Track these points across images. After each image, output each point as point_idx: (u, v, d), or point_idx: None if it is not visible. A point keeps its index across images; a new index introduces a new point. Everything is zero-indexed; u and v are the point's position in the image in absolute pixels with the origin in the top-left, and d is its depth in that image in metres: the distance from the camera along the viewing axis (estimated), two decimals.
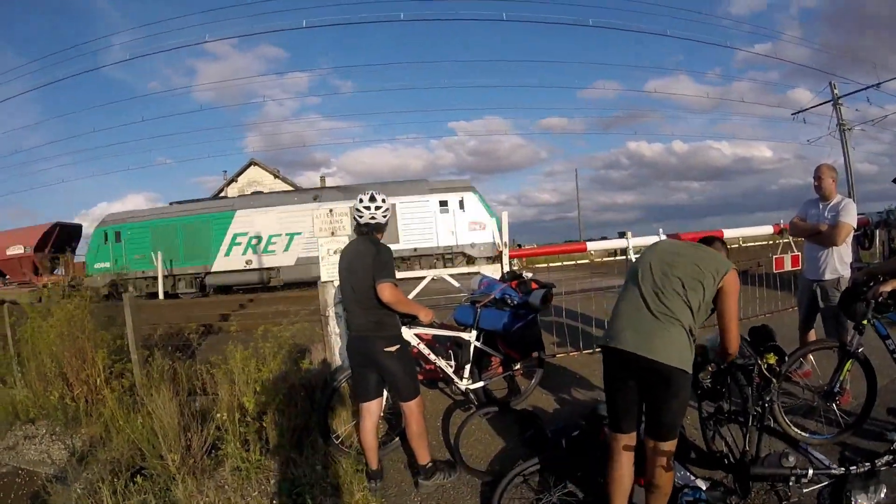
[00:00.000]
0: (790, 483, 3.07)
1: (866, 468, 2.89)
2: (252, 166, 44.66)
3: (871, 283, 4.63)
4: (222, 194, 42.61)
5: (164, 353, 6.33)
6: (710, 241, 3.78)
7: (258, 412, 5.07)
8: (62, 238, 32.38)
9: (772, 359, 3.93)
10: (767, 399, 3.78)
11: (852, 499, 2.75)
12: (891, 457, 3.02)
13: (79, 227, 35.89)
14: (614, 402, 3.43)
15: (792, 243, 7.79)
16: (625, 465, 3.37)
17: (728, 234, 10.95)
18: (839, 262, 5.56)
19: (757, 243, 13.09)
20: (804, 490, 3.13)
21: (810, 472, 2.99)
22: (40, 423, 6.74)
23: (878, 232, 11.61)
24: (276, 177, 44.58)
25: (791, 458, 3.09)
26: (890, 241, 11.90)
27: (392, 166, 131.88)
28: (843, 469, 2.94)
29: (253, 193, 37.80)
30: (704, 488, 3.59)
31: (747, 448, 3.53)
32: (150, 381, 5.70)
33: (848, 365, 4.82)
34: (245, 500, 4.33)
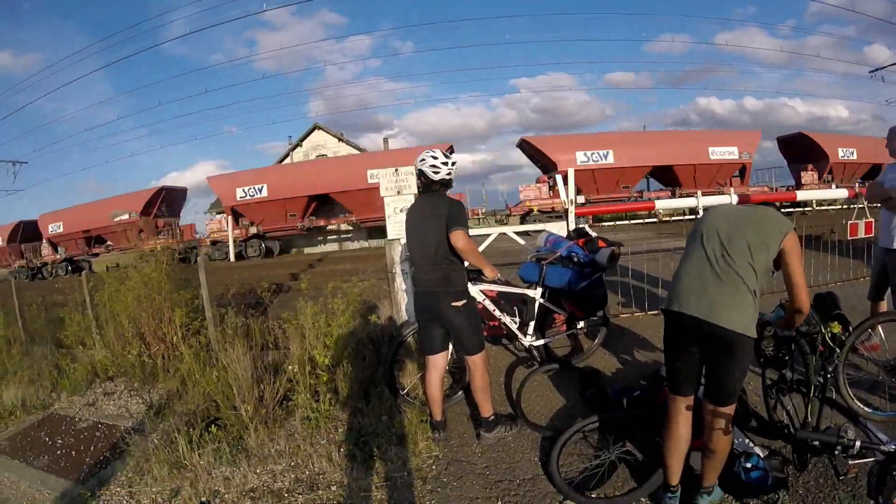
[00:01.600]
0: (836, 453, 3.02)
1: None
2: (316, 130, 44.82)
3: None
4: (287, 159, 43.43)
5: (237, 311, 6.48)
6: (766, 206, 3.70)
7: (327, 365, 5.19)
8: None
9: (836, 328, 3.81)
10: (831, 369, 3.73)
11: None
12: None
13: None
14: (675, 365, 3.43)
15: (866, 209, 7.52)
16: (682, 427, 3.39)
17: (801, 195, 10.68)
18: (886, 228, 5.28)
19: (832, 207, 12.76)
20: (860, 465, 3.06)
21: (858, 444, 2.92)
22: (119, 380, 7.05)
23: None
24: (339, 140, 44.77)
25: (850, 432, 3.01)
26: None
27: (454, 126, 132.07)
28: (893, 447, 2.83)
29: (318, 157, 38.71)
30: (763, 456, 3.60)
31: (808, 419, 3.53)
32: (224, 337, 5.85)
33: None
34: (314, 447, 4.44)
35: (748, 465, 3.44)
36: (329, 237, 33.25)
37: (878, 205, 5.60)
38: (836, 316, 3.84)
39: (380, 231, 29.73)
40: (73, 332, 7.99)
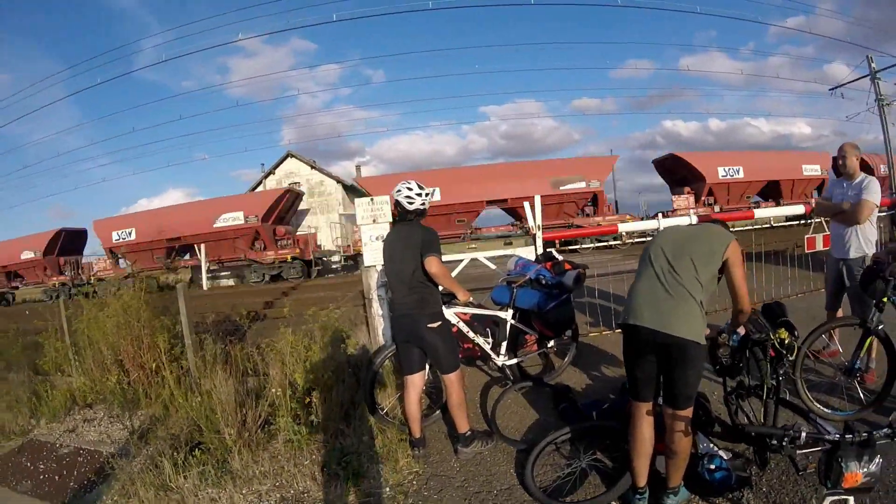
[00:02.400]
0: (783, 444, 3.15)
1: (863, 438, 2.94)
2: (289, 158, 45.38)
3: (892, 262, 4.80)
4: (260, 187, 43.89)
5: (215, 338, 6.59)
6: (711, 222, 4.06)
7: (307, 388, 5.33)
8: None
9: (783, 334, 4.02)
10: (781, 372, 3.97)
11: (843, 464, 2.84)
12: (890, 430, 3.02)
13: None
14: (634, 373, 3.67)
15: (824, 223, 7.87)
16: (646, 431, 3.62)
17: (759, 213, 11.08)
18: (864, 241, 5.60)
19: (792, 224, 13.10)
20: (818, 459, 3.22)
21: (803, 435, 3.09)
22: (98, 406, 7.07)
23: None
24: (312, 167, 45.35)
25: (797, 427, 3.16)
26: None
27: (426, 153, 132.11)
28: (837, 436, 3.01)
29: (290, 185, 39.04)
30: (726, 458, 3.82)
31: (765, 420, 3.77)
32: (204, 363, 5.99)
33: (868, 342, 4.97)
34: (297, 467, 4.60)
35: (712, 467, 3.67)
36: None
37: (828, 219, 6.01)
38: (783, 323, 4.09)
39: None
40: (51, 359, 8.00)
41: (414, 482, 4.34)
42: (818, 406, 4.93)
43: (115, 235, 32.96)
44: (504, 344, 5.82)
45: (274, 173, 45.11)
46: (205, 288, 27.89)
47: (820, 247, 7.75)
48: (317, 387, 5.41)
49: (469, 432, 4.74)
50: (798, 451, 3.27)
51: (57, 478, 5.38)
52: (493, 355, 5.82)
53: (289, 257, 29.76)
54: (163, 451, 4.77)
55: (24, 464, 5.83)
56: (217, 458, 4.77)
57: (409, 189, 4.76)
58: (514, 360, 5.92)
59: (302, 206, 39.57)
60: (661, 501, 3.63)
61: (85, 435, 6.40)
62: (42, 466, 5.69)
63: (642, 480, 3.66)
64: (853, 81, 26.24)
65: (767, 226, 25.75)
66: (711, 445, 3.95)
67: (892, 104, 24.17)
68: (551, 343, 6.22)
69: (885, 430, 2.95)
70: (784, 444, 3.14)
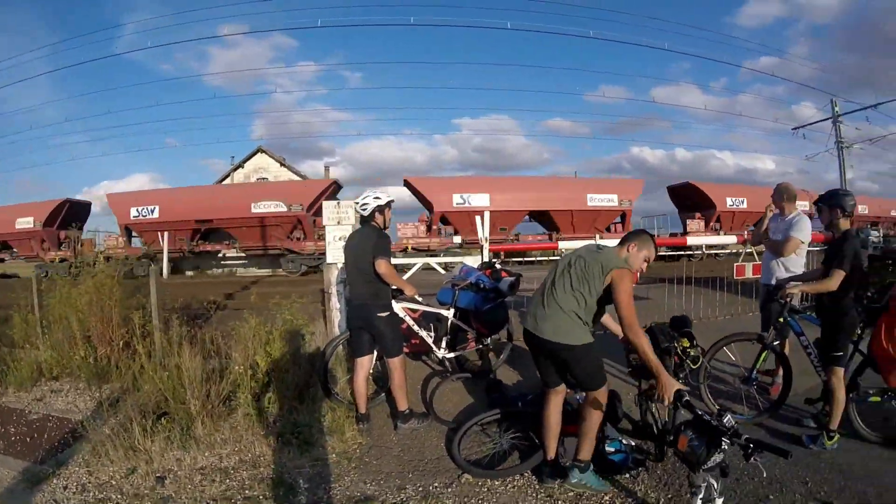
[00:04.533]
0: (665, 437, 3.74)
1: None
2: (259, 153, 44.99)
3: (783, 287, 5.43)
4: (228, 179, 43.34)
5: (181, 321, 6.95)
6: (631, 236, 4.32)
7: (267, 370, 5.90)
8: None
9: (685, 342, 4.58)
10: (682, 377, 4.45)
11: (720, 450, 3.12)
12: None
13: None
14: (538, 365, 4.30)
15: (755, 253, 8.48)
16: (553, 413, 4.26)
17: (691, 241, 11.91)
18: (784, 271, 6.24)
19: (722, 252, 13.88)
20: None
21: (659, 425, 3.71)
22: (64, 379, 7.35)
23: None
24: (282, 164, 45.02)
25: (671, 420, 3.75)
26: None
27: (396, 159, 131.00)
28: (718, 423, 3.21)
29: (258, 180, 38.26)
30: (625, 442, 4.40)
31: (667, 419, 4.19)
32: (170, 343, 6.37)
33: (764, 355, 5.63)
34: (255, 436, 5.15)
35: (611, 449, 4.27)
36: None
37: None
38: (685, 333, 4.65)
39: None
40: (20, 331, 8.09)
41: (357, 451, 4.98)
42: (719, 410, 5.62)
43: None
44: (445, 339, 6.48)
45: (243, 167, 44.69)
46: (164, 276, 26.82)
47: (749, 274, 8.46)
48: (276, 368, 5.99)
49: (407, 411, 5.44)
50: (669, 439, 3.78)
51: (28, 439, 5.62)
52: (434, 348, 6.47)
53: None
54: (132, 418, 5.18)
55: None
56: (182, 426, 5.23)
57: (365, 198, 5.54)
58: (454, 354, 6.58)
59: None
60: (568, 471, 4.13)
61: (53, 404, 6.64)
62: (13, 429, 5.88)
63: (551, 454, 4.29)
64: (816, 123, 27.14)
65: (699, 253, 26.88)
66: (618, 434, 4.50)
67: (850, 147, 25.11)
68: (488, 340, 6.85)
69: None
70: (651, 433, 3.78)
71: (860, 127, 33.75)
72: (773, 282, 6.17)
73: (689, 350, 4.55)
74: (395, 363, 5.44)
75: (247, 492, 4.29)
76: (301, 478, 4.48)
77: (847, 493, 4.12)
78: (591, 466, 4.16)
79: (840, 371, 4.94)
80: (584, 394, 4.17)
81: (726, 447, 3.09)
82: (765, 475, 3.48)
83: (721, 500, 3.28)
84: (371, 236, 5.42)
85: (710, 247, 25.97)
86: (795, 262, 6.34)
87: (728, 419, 3.19)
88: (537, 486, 4.30)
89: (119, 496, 4.30)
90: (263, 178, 42.18)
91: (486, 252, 8.45)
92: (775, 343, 5.63)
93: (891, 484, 4.25)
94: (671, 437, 3.65)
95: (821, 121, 26.24)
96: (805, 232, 6.25)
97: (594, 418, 4.06)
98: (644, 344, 3.70)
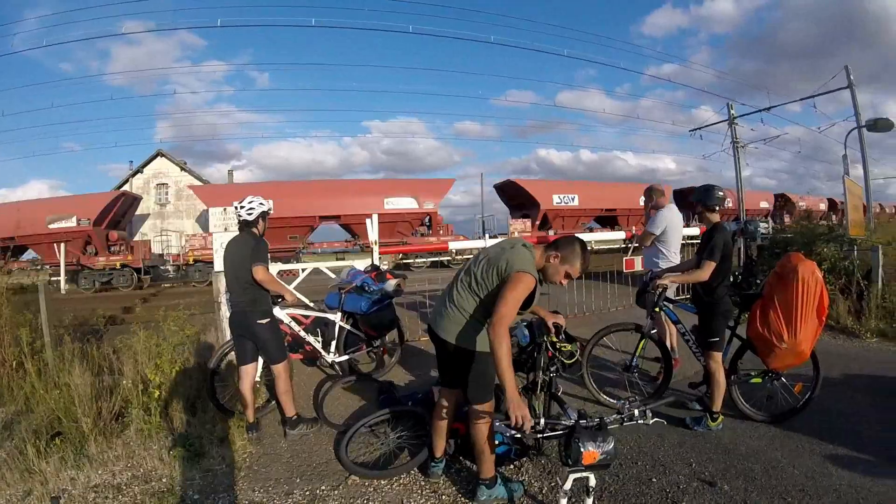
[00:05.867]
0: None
1: (595, 422, 3.33)
2: (159, 157, 43.81)
3: (654, 279, 5.75)
4: (127, 185, 41.97)
5: (73, 337, 6.96)
6: (561, 244, 3.97)
7: (158, 383, 5.86)
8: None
9: (553, 337, 4.64)
10: (553, 370, 4.65)
11: (581, 445, 3.16)
12: (619, 415, 3.52)
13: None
14: (439, 363, 4.24)
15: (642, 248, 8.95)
16: (441, 410, 4.35)
17: (584, 237, 12.40)
18: (647, 261, 6.87)
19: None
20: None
21: (542, 421, 3.53)
22: None
23: (737, 239, 12.80)
24: (182, 169, 44.06)
25: (563, 418, 3.66)
26: (747, 249, 13.32)
27: (305, 161, 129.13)
28: (573, 421, 3.39)
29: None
30: (507, 435, 4.57)
31: (541, 410, 4.32)
32: (62, 359, 6.35)
33: (643, 343, 5.95)
34: (147, 451, 5.17)
35: (496, 442, 4.33)
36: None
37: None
38: (556, 328, 4.66)
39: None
40: None
41: (247, 459, 5.10)
42: (605, 397, 6.00)
43: None
44: (333, 343, 6.65)
45: (142, 172, 43.50)
46: (62, 291, 26.33)
47: (638, 267, 8.88)
48: (166, 382, 6.00)
49: (295, 416, 5.56)
50: (542, 437, 3.75)
51: None
52: (323, 353, 6.64)
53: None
54: (26, 440, 5.16)
55: None
56: (76, 446, 5.25)
57: (240, 203, 5.56)
58: (344, 358, 6.75)
59: (170, 208, 38.53)
60: (476, 490, 4.13)
61: None
62: None
63: (439, 452, 4.46)
64: (713, 125, 27.94)
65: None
66: (503, 426, 4.70)
67: (745, 146, 25.96)
68: (378, 343, 7.07)
69: (614, 416, 3.51)
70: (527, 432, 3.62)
71: (755, 128, 35.56)
72: (639, 271, 6.49)
73: (560, 346, 4.64)
74: (279, 369, 5.53)
75: None
76: (192, 489, 4.55)
77: (732, 472, 4.42)
78: (498, 479, 4.17)
79: (718, 356, 5.28)
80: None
81: (581, 443, 3.19)
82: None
83: (591, 499, 3.44)
84: (248, 242, 5.43)
85: (598, 242, 26.65)
86: (669, 253, 6.79)
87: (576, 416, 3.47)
88: (423, 483, 4.49)
89: None
90: (163, 184, 41.54)
91: (376, 255, 8.66)
92: (653, 332, 5.98)
93: (775, 460, 4.59)
94: (547, 431, 3.65)
95: (718, 123, 27.08)
96: (654, 225, 6.79)
97: (483, 434, 4.01)
98: (502, 351, 3.46)
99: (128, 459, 5.13)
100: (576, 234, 4.49)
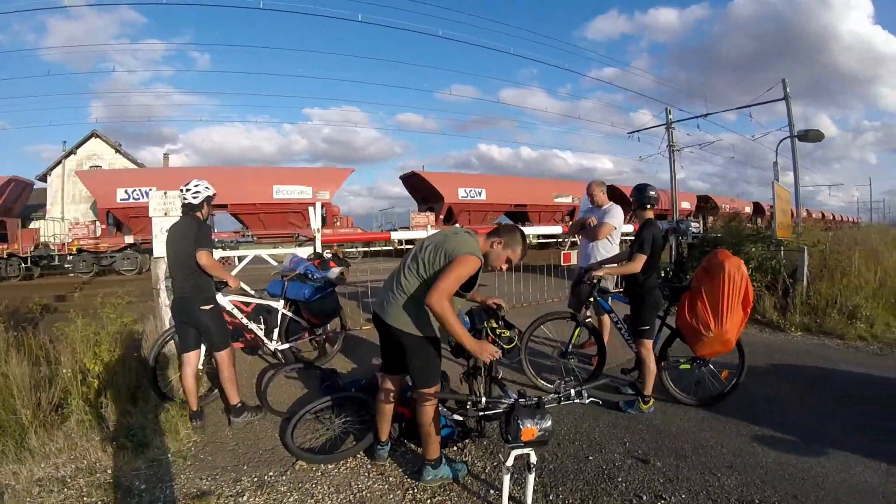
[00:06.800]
0: (467, 406, 3.88)
1: (534, 401, 3.46)
2: (93, 138, 42.15)
3: (590, 271, 5.97)
4: (59, 167, 40.48)
5: (7, 326, 6.77)
6: (503, 231, 4.23)
7: (98, 373, 5.84)
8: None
9: (493, 323, 4.79)
10: None
11: (520, 422, 3.31)
12: (555, 395, 3.71)
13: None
14: (383, 350, 4.35)
15: (579, 241, 9.20)
16: (388, 398, 4.44)
17: (525, 230, 12.79)
18: (598, 255, 6.96)
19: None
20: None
21: (483, 400, 3.74)
22: None
23: (669, 237, 13.60)
24: (117, 151, 42.61)
25: (504, 400, 3.76)
26: (678, 246, 13.82)
27: (243, 147, 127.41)
28: (513, 399, 3.55)
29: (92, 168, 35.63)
30: (450, 418, 4.84)
31: (482, 394, 4.20)
32: None
33: (577, 331, 6.25)
34: (90, 442, 5.12)
35: (439, 425, 4.40)
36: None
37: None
38: (494, 314, 4.89)
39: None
40: None
41: (192, 448, 5.09)
42: (542, 382, 6.25)
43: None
44: (276, 330, 6.65)
45: (75, 153, 41.67)
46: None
47: (574, 261, 9.09)
48: (105, 371, 5.94)
49: (239, 404, 5.58)
50: (483, 414, 4.06)
51: None
52: (265, 341, 6.63)
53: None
54: None
55: None
56: (16, 439, 5.15)
57: (198, 186, 5.53)
58: (286, 346, 6.76)
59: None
60: (421, 470, 4.27)
61: None
62: None
63: (384, 436, 4.58)
64: (651, 128, 28.36)
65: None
66: (446, 411, 4.90)
67: (681, 150, 26.46)
68: (321, 331, 7.14)
69: (551, 395, 3.70)
70: (468, 407, 3.93)
71: (691, 133, 36.49)
72: (590, 263, 6.65)
73: (499, 331, 4.77)
74: (223, 357, 5.53)
75: (85, 499, 4.33)
76: (138, 480, 4.54)
77: (664, 450, 4.68)
78: (443, 460, 4.31)
79: (649, 343, 5.57)
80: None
81: (520, 420, 3.33)
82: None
83: (532, 475, 3.60)
84: (192, 227, 5.39)
85: (538, 236, 26.97)
86: (608, 246, 7.06)
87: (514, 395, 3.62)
88: (370, 466, 4.60)
89: None
90: (96, 166, 39.73)
91: (318, 243, 8.66)
92: (587, 320, 6.22)
93: (705, 440, 4.88)
94: (489, 410, 3.89)
95: (655, 126, 27.53)
96: (617, 218, 7.02)
97: (429, 417, 4.11)
98: (447, 312, 3.67)
99: (70, 451, 5.06)
100: (516, 224, 4.66)
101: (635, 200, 5.71)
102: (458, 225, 4.48)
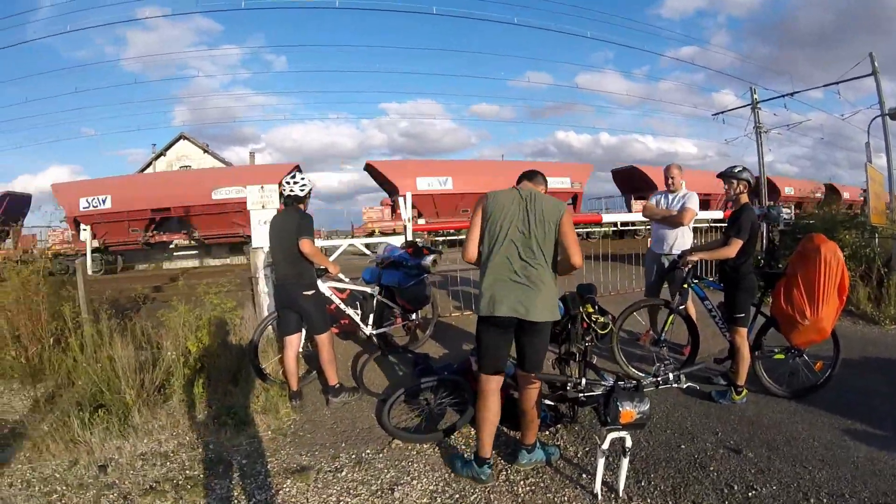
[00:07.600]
0: (567, 388, 3.89)
1: (633, 384, 3.54)
2: (181, 140, 43.72)
3: (684, 257, 5.80)
4: (150, 168, 41.82)
5: (110, 314, 6.90)
6: (531, 175, 4.32)
7: (199, 355, 6.05)
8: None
9: (589, 308, 4.82)
10: (588, 339, 4.72)
11: (619, 404, 3.35)
12: (654, 379, 3.82)
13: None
14: (494, 349, 3.99)
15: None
16: (495, 403, 4.12)
17: (607, 218, 12.64)
18: (682, 241, 6.81)
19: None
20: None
21: (584, 381, 3.77)
22: None
23: (760, 224, 13.05)
24: (205, 151, 44.06)
25: (603, 382, 3.83)
26: (769, 233, 13.41)
27: (323, 143, 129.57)
28: (612, 382, 3.63)
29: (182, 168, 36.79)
30: (549, 411, 4.79)
31: (577, 379, 4.10)
32: (100, 335, 6.35)
33: (671, 319, 6.09)
34: (192, 421, 5.29)
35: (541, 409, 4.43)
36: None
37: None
38: (589, 300, 4.93)
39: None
40: None
41: (292, 426, 5.19)
42: (633, 370, 6.06)
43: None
44: (371, 316, 6.71)
45: (165, 155, 43.34)
46: (90, 272, 25.19)
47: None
48: (207, 354, 6.14)
49: (338, 385, 5.68)
50: (583, 396, 3.94)
51: None
52: (361, 326, 6.70)
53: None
54: (69, 412, 5.24)
55: None
56: (119, 416, 5.30)
57: (290, 180, 5.69)
58: (381, 331, 6.83)
59: None
60: (517, 454, 4.21)
61: None
62: None
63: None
64: (736, 109, 27.62)
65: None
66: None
67: (768, 132, 25.81)
68: (413, 316, 7.22)
69: (650, 379, 3.73)
70: (567, 388, 3.92)
71: (778, 113, 35.15)
72: (674, 251, 6.64)
73: (594, 317, 4.77)
74: (323, 339, 5.64)
75: (187, 472, 4.42)
76: (239, 455, 4.63)
77: (756, 441, 4.52)
78: (537, 444, 4.23)
79: (743, 331, 5.36)
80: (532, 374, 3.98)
81: (619, 402, 3.36)
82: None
83: (626, 459, 3.60)
84: (294, 217, 5.56)
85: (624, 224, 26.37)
86: (688, 232, 6.93)
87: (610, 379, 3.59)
88: (464, 447, 4.60)
89: (64, 487, 4.35)
90: (186, 166, 40.96)
91: (409, 232, 8.74)
92: (681, 307, 6.04)
93: (796, 432, 4.68)
94: (583, 398, 3.90)
95: (741, 107, 26.87)
96: (696, 204, 6.82)
97: (533, 400, 4.03)
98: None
99: (173, 429, 5.21)
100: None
101: (739, 182, 5.47)
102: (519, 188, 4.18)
